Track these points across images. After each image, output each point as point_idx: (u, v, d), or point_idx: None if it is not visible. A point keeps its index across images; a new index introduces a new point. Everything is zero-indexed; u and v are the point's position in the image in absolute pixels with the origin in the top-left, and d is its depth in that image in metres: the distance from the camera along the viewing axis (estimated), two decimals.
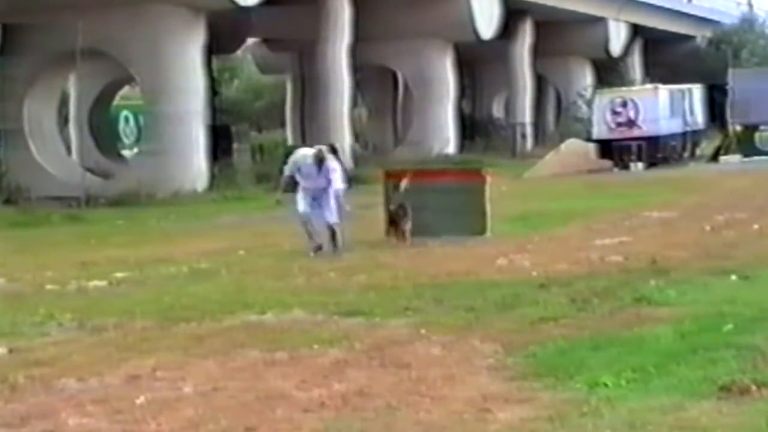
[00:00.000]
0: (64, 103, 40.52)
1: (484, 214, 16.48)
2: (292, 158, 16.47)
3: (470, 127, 50.77)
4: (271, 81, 56.38)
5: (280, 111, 49.59)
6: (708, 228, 15.62)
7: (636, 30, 57.77)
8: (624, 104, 35.68)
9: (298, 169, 16.04)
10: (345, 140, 38.30)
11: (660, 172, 32.03)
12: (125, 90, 47.38)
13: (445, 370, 7.36)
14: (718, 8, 62.91)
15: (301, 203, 15.93)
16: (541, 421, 6.04)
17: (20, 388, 7.53)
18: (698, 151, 38.28)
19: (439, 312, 9.71)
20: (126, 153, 43.20)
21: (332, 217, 15.80)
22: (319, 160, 15.96)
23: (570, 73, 55.36)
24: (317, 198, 15.88)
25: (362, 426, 6.15)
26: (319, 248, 15.57)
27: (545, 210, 20.48)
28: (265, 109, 59.35)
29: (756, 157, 33.15)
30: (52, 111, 35.48)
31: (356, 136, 45.46)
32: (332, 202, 15.92)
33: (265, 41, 45.80)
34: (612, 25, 55.34)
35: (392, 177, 17.54)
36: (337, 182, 16.39)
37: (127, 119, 46.30)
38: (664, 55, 58.20)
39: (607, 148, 35.24)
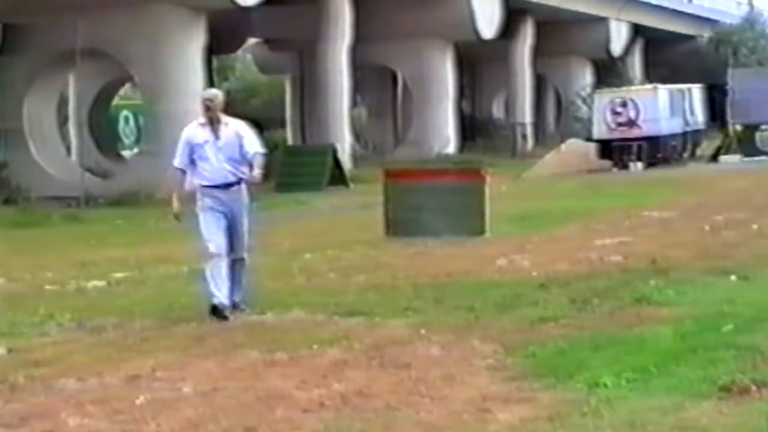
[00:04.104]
0: (63, 103, 40.52)
1: (483, 214, 16.43)
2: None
3: (470, 127, 50.84)
4: (266, 79, 56.31)
5: (280, 111, 49.64)
6: (708, 228, 15.60)
7: (637, 30, 57.79)
8: (624, 104, 35.67)
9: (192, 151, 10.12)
10: (345, 140, 38.36)
11: (660, 172, 32.01)
12: (125, 90, 47.43)
13: (445, 371, 7.34)
14: (718, 8, 62.95)
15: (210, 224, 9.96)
16: (541, 421, 6.03)
17: (20, 388, 7.51)
18: (698, 151, 38.30)
19: (439, 312, 9.69)
20: (126, 153, 43.23)
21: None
22: (210, 120, 9.80)
23: (570, 73, 55.40)
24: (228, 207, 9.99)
25: (362, 426, 6.14)
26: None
27: (545, 210, 20.46)
28: (265, 108, 59.37)
29: (756, 157, 33.15)
30: (51, 111, 35.50)
31: (356, 136, 45.51)
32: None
33: (265, 41, 45.84)
34: (613, 25, 55.36)
35: (392, 176, 17.52)
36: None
37: (127, 119, 46.36)
38: (664, 55, 58.26)
39: (607, 148, 35.24)
